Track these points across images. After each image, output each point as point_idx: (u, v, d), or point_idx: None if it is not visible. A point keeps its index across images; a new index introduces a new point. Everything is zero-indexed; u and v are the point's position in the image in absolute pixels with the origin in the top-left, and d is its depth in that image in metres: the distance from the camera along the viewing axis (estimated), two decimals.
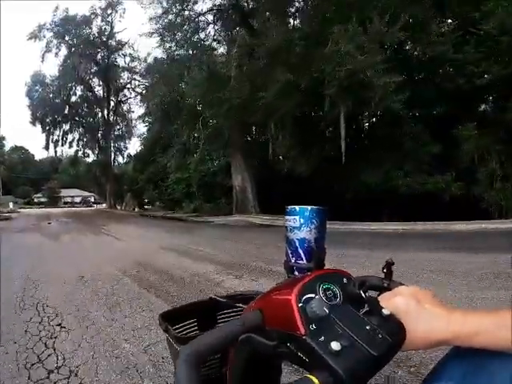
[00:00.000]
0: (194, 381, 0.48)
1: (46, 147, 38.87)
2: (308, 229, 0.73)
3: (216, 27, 16.84)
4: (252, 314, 0.62)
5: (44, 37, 31.27)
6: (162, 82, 17.93)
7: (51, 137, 38.42)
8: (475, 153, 12.29)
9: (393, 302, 0.60)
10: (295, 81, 11.79)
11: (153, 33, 16.49)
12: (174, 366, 0.58)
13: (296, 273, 0.75)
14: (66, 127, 38.31)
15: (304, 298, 0.57)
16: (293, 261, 0.75)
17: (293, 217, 0.75)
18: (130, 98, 37.78)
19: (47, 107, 36.24)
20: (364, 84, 11.60)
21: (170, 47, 16.95)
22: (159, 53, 21.27)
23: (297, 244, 0.74)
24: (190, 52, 16.46)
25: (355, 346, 0.52)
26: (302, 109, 13.75)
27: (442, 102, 13.29)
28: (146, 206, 34.61)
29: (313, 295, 0.58)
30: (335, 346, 0.50)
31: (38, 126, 37.24)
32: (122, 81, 37.38)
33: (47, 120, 37.81)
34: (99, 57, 35.12)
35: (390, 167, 13.67)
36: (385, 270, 0.71)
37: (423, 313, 0.58)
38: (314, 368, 0.50)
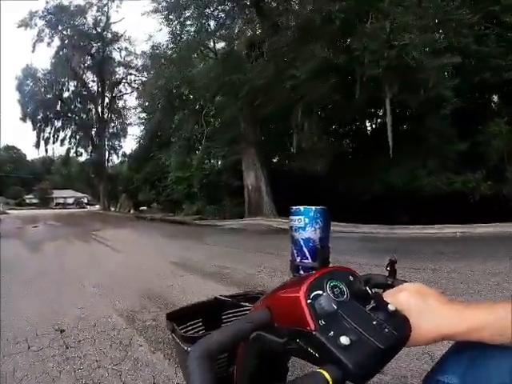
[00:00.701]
0: (208, 380, 0.47)
1: (37, 145, 36.31)
2: (312, 228, 0.74)
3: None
4: (260, 312, 0.62)
5: (35, 25, 28.79)
6: (168, 64, 15.56)
7: (42, 134, 35.89)
8: (505, 150, 11.52)
9: (397, 298, 0.61)
10: (331, 59, 9.62)
11: (157, 11, 14.14)
12: (180, 365, 0.61)
13: (301, 272, 0.74)
14: (58, 124, 35.80)
15: (312, 294, 0.57)
16: (298, 260, 0.75)
17: (298, 217, 0.75)
18: (126, 93, 35.36)
19: (38, 102, 33.71)
20: (411, 66, 9.55)
21: (181, 23, 14.38)
22: (162, 36, 19.01)
23: (302, 243, 0.74)
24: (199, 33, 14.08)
25: (363, 340, 0.52)
26: (336, 93, 11.52)
27: (470, 96, 12.42)
28: (141, 208, 32.16)
29: (321, 292, 0.58)
30: (344, 340, 0.50)
31: (29, 123, 34.75)
32: (117, 76, 34.90)
33: (38, 117, 35.29)
34: (94, 49, 32.62)
35: (415, 165, 12.57)
36: (388, 268, 0.71)
37: (427, 309, 0.59)
38: (324, 362, 0.50)
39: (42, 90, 33.56)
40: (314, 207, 0.75)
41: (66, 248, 8.95)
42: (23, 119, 34.60)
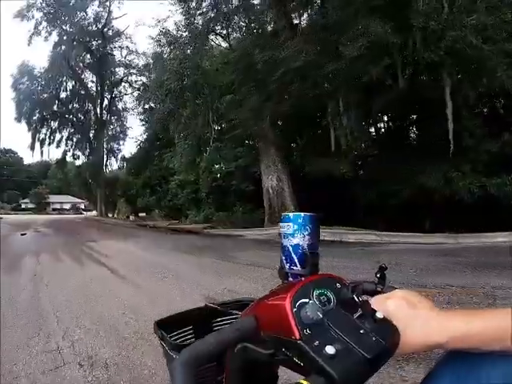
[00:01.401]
0: None
1: (32, 147, 33.89)
2: (301, 235, 0.73)
3: None
4: (247, 320, 0.60)
5: (33, 17, 26.64)
6: (180, 46, 13.35)
7: (38, 135, 33.58)
8: None
9: (385, 306, 0.59)
10: (386, 38, 7.57)
11: None
12: (170, 374, 0.52)
13: (290, 279, 0.73)
14: (55, 125, 33.49)
15: (298, 303, 0.56)
16: (287, 267, 0.74)
17: (287, 223, 0.74)
18: (126, 94, 33.18)
19: (34, 102, 31.50)
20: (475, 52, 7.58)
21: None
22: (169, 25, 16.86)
23: (290, 250, 0.73)
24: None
25: (349, 350, 0.51)
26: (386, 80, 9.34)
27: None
28: (140, 214, 29.88)
29: (307, 300, 0.57)
30: (330, 349, 0.49)
31: (24, 124, 32.41)
32: (117, 76, 32.76)
33: (34, 117, 33.04)
34: (94, 47, 30.52)
35: (448, 167, 11.42)
36: (378, 275, 0.68)
37: (415, 316, 0.57)
38: (310, 372, 0.49)
39: (39, 88, 31.33)
40: (303, 214, 0.73)
41: (47, 269, 6.70)
42: (18, 119, 32.29)
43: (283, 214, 0.76)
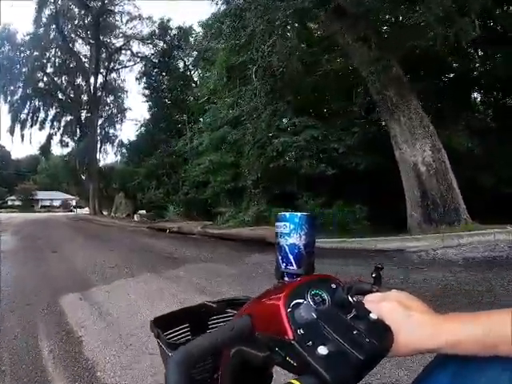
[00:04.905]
0: None
1: (11, 130, 26.48)
2: (298, 235, 0.68)
3: None
4: (241, 320, 0.58)
5: None
6: None
7: (18, 116, 26.23)
8: None
9: (379, 307, 0.56)
10: None
11: None
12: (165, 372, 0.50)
13: (286, 278, 0.68)
14: (40, 104, 26.20)
15: (292, 303, 0.54)
16: (283, 267, 0.69)
17: (283, 223, 0.69)
18: (127, 66, 26.07)
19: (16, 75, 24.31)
20: None
21: None
22: None
23: (287, 250, 0.68)
24: None
25: (342, 351, 0.49)
26: None
27: None
28: (140, 212, 22.76)
29: (301, 300, 0.55)
30: (322, 350, 0.48)
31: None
32: (116, 42, 25.66)
33: (16, 96, 25.74)
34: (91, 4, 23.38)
35: None
36: (373, 275, 0.65)
37: (409, 320, 0.54)
38: (302, 373, 0.48)
39: (22, 55, 24.13)
40: (299, 213, 0.68)
41: None
42: None
43: (279, 213, 0.70)
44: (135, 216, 22.27)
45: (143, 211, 22.15)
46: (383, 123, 9.48)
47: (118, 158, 28.35)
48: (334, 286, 0.60)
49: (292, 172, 10.66)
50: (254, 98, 10.62)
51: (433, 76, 11.00)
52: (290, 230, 0.68)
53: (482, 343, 0.48)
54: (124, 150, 26.38)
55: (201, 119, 16.02)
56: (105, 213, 27.11)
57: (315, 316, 0.52)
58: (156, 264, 5.93)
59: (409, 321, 0.53)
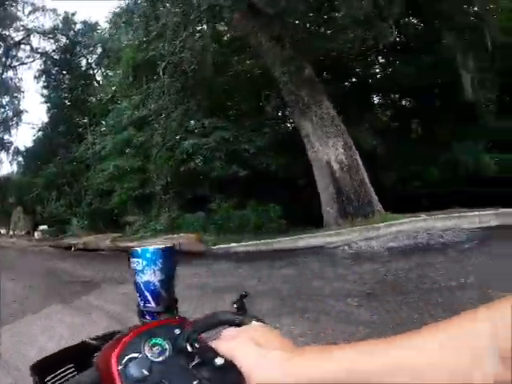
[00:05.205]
0: None
1: None
2: (151, 271, 0.65)
3: None
4: (87, 374, 0.56)
5: None
6: None
7: None
8: None
9: (228, 348, 0.50)
10: None
11: None
12: None
13: (147, 317, 0.65)
14: None
15: (126, 358, 0.50)
16: (142, 305, 0.66)
17: (136, 259, 0.66)
18: (25, 63, 22.83)
19: None
20: None
21: None
22: None
23: (142, 287, 0.65)
24: None
25: None
26: None
27: None
28: (41, 227, 20.01)
29: (136, 355, 0.51)
30: None
31: None
32: (15, 35, 22.34)
33: None
34: None
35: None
36: (235, 305, 0.60)
37: (262, 359, 0.47)
38: None
39: None
40: (152, 247, 0.65)
41: None
42: None
43: (133, 248, 0.66)
44: (35, 233, 19.56)
45: (44, 226, 19.44)
46: (294, 123, 9.44)
47: (14, 167, 24.75)
48: (177, 331, 0.55)
49: (203, 175, 10.12)
50: (162, 96, 9.90)
51: (340, 79, 11.40)
52: (143, 267, 0.64)
53: (350, 377, 0.42)
54: (20, 158, 23.08)
55: (103, 122, 14.55)
56: (2, 231, 23.32)
57: (147, 373, 0.49)
58: (64, 292, 5.19)
59: (262, 360, 0.46)
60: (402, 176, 9.66)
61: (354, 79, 12.04)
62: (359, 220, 7.05)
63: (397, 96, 12.53)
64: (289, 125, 11.10)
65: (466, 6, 8.32)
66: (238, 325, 0.57)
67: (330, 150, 7.61)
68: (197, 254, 7.00)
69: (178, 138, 10.06)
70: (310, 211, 8.91)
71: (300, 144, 9.01)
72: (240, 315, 0.58)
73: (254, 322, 0.55)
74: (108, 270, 6.64)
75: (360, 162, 7.63)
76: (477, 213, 6.09)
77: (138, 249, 0.66)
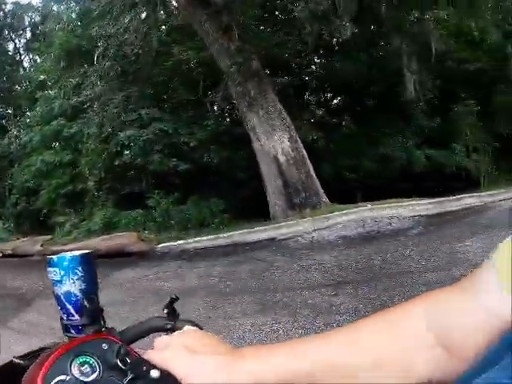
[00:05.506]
0: None
1: None
2: (71, 281, 0.57)
3: None
4: None
5: None
6: None
7: None
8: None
9: (162, 358, 0.47)
10: None
11: None
12: None
13: (72, 331, 0.58)
14: None
15: (53, 381, 0.46)
16: (65, 318, 0.58)
17: (53, 269, 0.58)
18: None
19: None
20: None
21: None
22: None
23: (63, 299, 0.57)
24: None
25: None
26: None
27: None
28: None
29: (64, 377, 0.46)
30: None
31: None
32: None
33: None
34: None
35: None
36: (165, 311, 0.57)
37: (198, 366, 0.44)
38: None
39: None
40: (69, 254, 0.57)
41: None
42: None
43: (48, 257, 0.59)
44: None
45: None
46: (240, 116, 9.26)
47: None
48: (105, 346, 0.51)
49: (140, 169, 9.45)
50: (100, 81, 9.24)
51: (281, 75, 11.47)
52: (61, 277, 0.58)
53: (285, 379, 0.40)
54: None
55: (28, 113, 13.28)
56: None
57: None
58: None
59: (197, 367, 0.44)
60: (339, 169, 9.91)
61: (293, 76, 12.24)
62: (307, 211, 7.07)
63: (334, 93, 12.96)
64: (232, 118, 10.88)
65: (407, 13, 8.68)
66: (171, 330, 0.56)
67: (276, 143, 7.60)
68: (140, 255, 6.51)
69: (110, 129, 9.37)
70: (255, 204, 8.80)
71: (243, 137, 8.87)
72: (171, 320, 0.57)
73: (187, 327, 0.54)
74: (43, 279, 5.81)
75: (306, 155, 7.68)
76: (415, 202, 6.41)
77: (54, 257, 0.59)
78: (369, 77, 10.63)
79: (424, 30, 7.85)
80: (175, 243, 6.82)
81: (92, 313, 0.58)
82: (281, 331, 2.91)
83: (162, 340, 0.50)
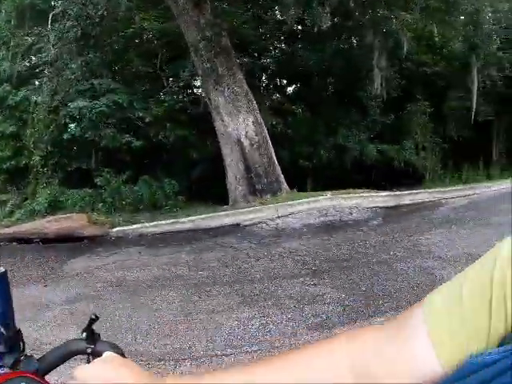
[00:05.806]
0: None
1: None
2: None
3: None
4: None
5: None
6: None
7: None
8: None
9: None
10: None
11: None
12: None
13: None
14: None
15: None
16: None
17: None
18: None
19: None
20: None
21: None
22: None
23: None
24: None
25: None
26: None
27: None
28: None
29: None
30: None
31: None
32: None
33: None
34: None
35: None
36: (84, 333, 0.54)
37: None
38: None
39: None
40: None
41: None
42: None
43: None
44: None
45: None
46: (203, 94, 8.85)
47: None
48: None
49: (90, 144, 8.71)
50: (58, 42, 8.34)
51: (245, 56, 11.18)
52: None
53: None
54: None
55: None
56: None
57: None
58: None
59: None
60: (295, 156, 9.99)
61: (254, 59, 11.98)
62: (268, 197, 6.97)
63: (291, 80, 12.95)
64: (191, 95, 10.39)
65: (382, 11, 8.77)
66: (91, 354, 0.53)
67: (240, 126, 7.32)
68: (93, 240, 5.96)
69: (61, 98, 8.46)
70: (210, 187, 8.56)
71: (202, 116, 8.51)
72: (91, 343, 0.54)
73: (107, 353, 0.51)
74: None
75: (269, 140, 7.52)
76: (374, 194, 6.61)
77: None
78: (329, 68, 10.74)
79: (392, 29, 8.05)
80: (131, 227, 6.38)
81: (10, 340, 0.54)
82: (271, 325, 2.81)
83: (81, 371, 0.47)
